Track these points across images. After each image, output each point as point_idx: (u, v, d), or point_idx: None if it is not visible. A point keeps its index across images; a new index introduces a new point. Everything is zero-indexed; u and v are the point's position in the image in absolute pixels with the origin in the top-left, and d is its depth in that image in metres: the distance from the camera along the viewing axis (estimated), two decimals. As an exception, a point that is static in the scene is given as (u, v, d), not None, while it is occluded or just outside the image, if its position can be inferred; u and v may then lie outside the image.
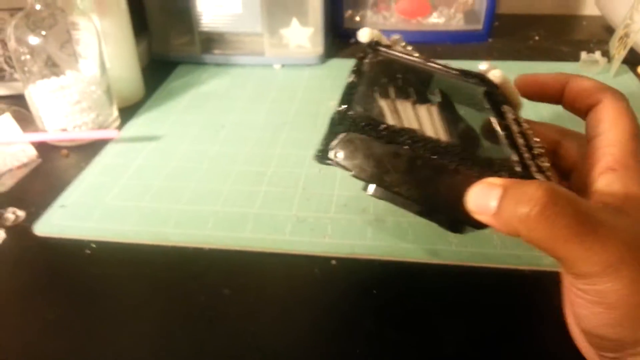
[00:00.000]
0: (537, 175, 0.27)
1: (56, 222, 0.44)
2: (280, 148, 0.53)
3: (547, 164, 0.28)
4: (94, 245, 0.42)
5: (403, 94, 0.30)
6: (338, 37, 0.80)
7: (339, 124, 0.32)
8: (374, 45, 0.31)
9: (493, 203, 0.25)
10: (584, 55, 0.67)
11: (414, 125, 0.30)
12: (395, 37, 0.33)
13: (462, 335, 0.34)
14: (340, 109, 0.32)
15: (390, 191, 0.30)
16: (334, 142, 0.31)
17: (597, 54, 0.66)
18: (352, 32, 0.83)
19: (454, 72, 0.29)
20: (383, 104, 0.31)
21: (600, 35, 0.80)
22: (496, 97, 0.28)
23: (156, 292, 0.38)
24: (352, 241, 0.41)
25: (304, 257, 0.40)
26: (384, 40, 0.32)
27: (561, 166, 0.32)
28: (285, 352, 0.33)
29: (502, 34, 0.80)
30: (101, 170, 0.51)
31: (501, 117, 0.28)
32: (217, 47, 0.72)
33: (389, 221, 0.42)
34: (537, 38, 0.80)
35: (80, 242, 0.42)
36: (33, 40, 0.51)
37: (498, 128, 0.28)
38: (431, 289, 0.37)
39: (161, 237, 0.42)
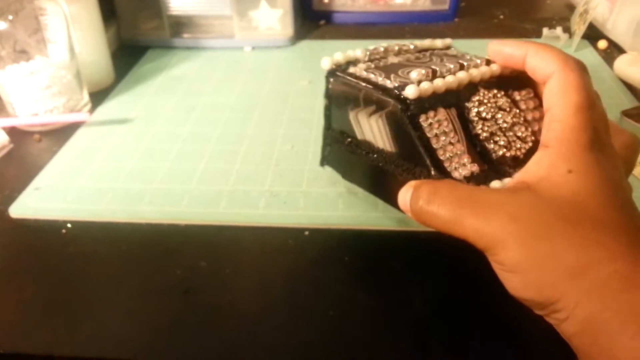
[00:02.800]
0: (451, 175, 0.32)
1: (31, 205, 0.45)
2: (253, 127, 0.54)
3: (464, 161, 0.33)
4: (69, 225, 0.42)
5: (362, 107, 0.37)
6: (308, 19, 0.81)
7: (325, 139, 0.42)
8: (334, 71, 0.38)
9: (407, 200, 0.30)
10: (545, 31, 0.69)
11: (369, 136, 0.37)
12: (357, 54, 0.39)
13: (430, 295, 0.36)
14: (324, 127, 0.41)
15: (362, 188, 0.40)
16: (325, 153, 0.42)
17: (559, 30, 0.68)
18: (322, 14, 0.84)
19: (378, 92, 0.35)
20: (351, 118, 0.38)
21: (562, 12, 0.82)
22: (411, 111, 0.33)
23: (132, 267, 0.39)
24: (324, 212, 0.42)
25: (278, 230, 0.41)
26: (350, 57, 0.38)
27: None
28: (262, 319, 0.35)
29: (468, 14, 0.82)
30: (74, 153, 0.51)
31: (417, 129, 0.33)
32: (187, 30, 0.72)
33: (360, 193, 0.44)
34: (501, 17, 0.82)
35: (55, 223, 0.43)
36: (0, 25, 0.51)
37: (416, 140, 0.33)
38: (400, 254, 0.39)
39: (136, 215, 0.43)
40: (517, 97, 0.35)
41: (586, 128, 0.28)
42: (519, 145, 0.33)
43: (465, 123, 0.34)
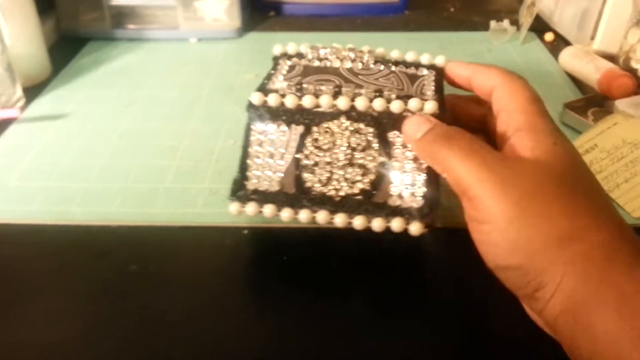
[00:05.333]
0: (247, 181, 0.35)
1: (-47, 207, 0.42)
2: (195, 122, 0.52)
3: (271, 176, 0.35)
4: (-6, 228, 0.40)
5: None
6: (256, 10, 0.79)
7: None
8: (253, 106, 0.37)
9: (417, 134, 0.32)
10: (493, 24, 0.68)
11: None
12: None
13: (368, 291, 0.35)
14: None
15: None
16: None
17: (506, 22, 0.68)
18: (271, 5, 0.83)
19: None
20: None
21: (512, 6, 0.82)
22: (250, 115, 0.36)
23: (61, 271, 0.37)
24: (263, 211, 0.41)
25: (215, 229, 0.40)
26: (299, 51, 0.41)
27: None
28: (195, 323, 0.33)
29: (419, 6, 0.82)
30: (4, 151, 0.49)
31: (246, 133, 0.36)
32: (129, 21, 0.69)
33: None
34: (452, 10, 0.82)
35: (-21, 226, 0.40)
36: None
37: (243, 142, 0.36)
38: (339, 251, 0.38)
39: (66, 217, 0.41)
40: (397, 141, 0.35)
41: (545, 112, 0.31)
42: (339, 186, 0.34)
43: (303, 144, 0.35)
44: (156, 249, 0.38)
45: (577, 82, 0.58)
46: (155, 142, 0.49)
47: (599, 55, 0.58)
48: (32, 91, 0.58)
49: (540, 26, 0.70)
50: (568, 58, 0.59)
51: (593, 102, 0.52)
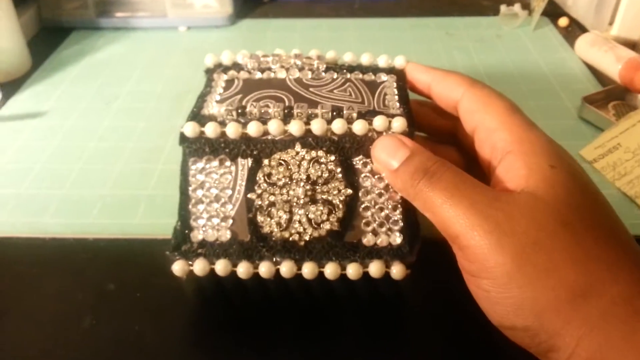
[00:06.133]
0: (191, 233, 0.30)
1: None
2: (181, 120, 0.47)
3: (220, 224, 0.29)
4: (-43, 242, 0.37)
5: None
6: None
7: None
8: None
9: (394, 164, 0.27)
10: (503, 8, 0.64)
11: None
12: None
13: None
14: None
15: None
16: None
17: (517, 7, 0.64)
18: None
19: None
20: None
21: (522, -13, 0.78)
22: (187, 149, 0.31)
23: (31, 290, 0.33)
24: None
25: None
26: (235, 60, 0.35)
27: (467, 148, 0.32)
28: (173, 350, 0.30)
29: (423, -11, 0.77)
30: (-26, 154, 0.45)
31: (183, 172, 0.31)
32: (114, 9, 0.65)
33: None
34: (458, -8, 0.77)
35: (-58, 240, 0.37)
36: None
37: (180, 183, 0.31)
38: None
39: (38, 228, 0.37)
40: (366, 168, 0.29)
41: (531, 123, 0.27)
42: (303, 229, 0.29)
43: (253, 181, 0.29)
44: (136, 264, 0.35)
45: (595, 72, 0.54)
46: (138, 143, 0.46)
47: (619, 43, 0.53)
48: (10, 87, 0.54)
49: (553, 10, 0.66)
50: (585, 46, 0.55)
51: (614, 95, 0.48)
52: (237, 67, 0.35)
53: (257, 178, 0.29)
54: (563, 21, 0.64)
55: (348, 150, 0.29)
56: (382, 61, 0.35)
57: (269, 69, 0.34)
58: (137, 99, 0.52)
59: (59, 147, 0.45)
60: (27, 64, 0.58)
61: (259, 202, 0.29)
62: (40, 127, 0.48)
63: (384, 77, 0.33)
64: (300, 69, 0.34)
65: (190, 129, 0.30)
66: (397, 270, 0.28)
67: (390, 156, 0.27)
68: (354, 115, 0.29)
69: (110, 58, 0.59)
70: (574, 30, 0.63)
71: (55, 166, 0.43)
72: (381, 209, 0.29)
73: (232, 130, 0.29)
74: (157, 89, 0.53)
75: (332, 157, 0.29)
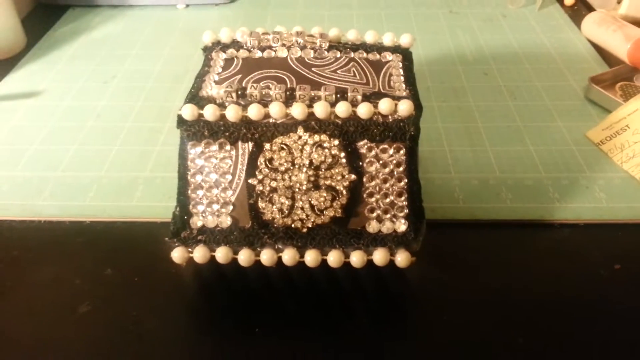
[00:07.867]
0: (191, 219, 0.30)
1: None
2: (180, 100, 0.47)
3: (221, 210, 0.29)
4: (-50, 225, 0.36)
5: None
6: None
7: None
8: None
9: None
10: (509, -14, 0.63)
11: None
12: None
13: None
14: None
15: None
16: None
17: (523, -15, 0.62)
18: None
19: None
20: None
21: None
22: (186, 132, 0.30)
23: (25, 274, 0.33)
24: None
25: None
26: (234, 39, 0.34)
27: None
28: (171, 334, 0.29)
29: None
30: (-33, 135, 0.44)
31: (182, 156, 0.30)
32: (111, -14, 0.64)
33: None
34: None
35: None
36: None
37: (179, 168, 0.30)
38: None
39: (33, 211, 0.37)
40: (370, 153, 0.28)
41: None
42: (305, 216, 0.28)
43: (254, 165, 0.28)
44: (134, 248, 0.34)
45: (602, 52, 0.53)
46: (135, 124, 0.45)
47: (627, 22, 0.52)
48: (4, 66, 0.53)
49: (559, -11, 0.65)
50: (592, 25, 0.53)
51: (621, 75, 0.47)
52: (236, 45, 0.34)
53: (258, 163, 0.28)
54: (569, 0, 0.63)
55: (352, 134, 0.28)
56: (388, 39, 0.34)
57: (270, 47, 0.33)
58: (135, 79, 0.51)
59: (54, 127, 0.44)
60: (21, 43, 0.56)
61: (260, 188, 0.28)
62: (35, 107, 0.47)
63: (389, 56, 0.32)
64: (302, 48, 0.32)
65: (189, 112, 0.28)
66: (402, 258, 0.28)
67: None
68: (359, 97, 0.28)
69: (107, 36, 0.58)
70: (580, 9, 0.61)
71: (51, 147, 0.42)
72: (386, 195, 0.28)
73: (232, 113, 0.28)
74: (155, 69, 0.52)
75: (336, 142, 0.28)
